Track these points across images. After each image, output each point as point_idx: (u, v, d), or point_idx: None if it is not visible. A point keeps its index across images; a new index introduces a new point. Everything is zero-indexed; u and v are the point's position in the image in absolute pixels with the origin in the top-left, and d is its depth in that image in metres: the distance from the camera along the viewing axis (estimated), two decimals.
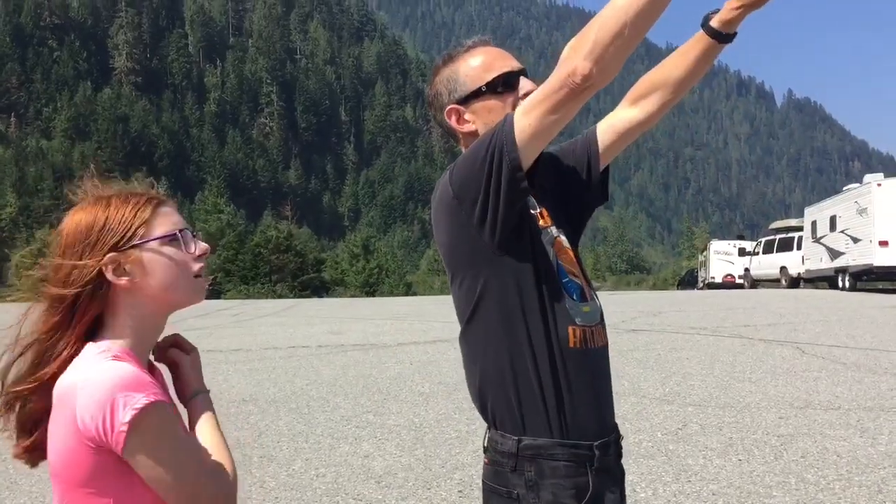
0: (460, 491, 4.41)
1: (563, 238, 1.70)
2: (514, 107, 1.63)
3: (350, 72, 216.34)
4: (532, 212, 1.65)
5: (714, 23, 1.65)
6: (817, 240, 23.81)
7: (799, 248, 26.27)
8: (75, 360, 1.32)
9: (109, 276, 1.35)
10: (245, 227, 62.63)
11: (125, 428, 1.23)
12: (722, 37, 1.65)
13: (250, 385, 7.91)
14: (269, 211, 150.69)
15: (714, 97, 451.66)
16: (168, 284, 1.38)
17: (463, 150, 1.74)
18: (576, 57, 1.40)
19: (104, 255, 1.35)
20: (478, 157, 1.52)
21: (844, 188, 23.65)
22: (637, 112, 1.75)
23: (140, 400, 1.24)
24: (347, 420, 6.28)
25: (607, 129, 1.78)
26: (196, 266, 1.41)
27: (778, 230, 30.58)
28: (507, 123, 1.49)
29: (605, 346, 1.68)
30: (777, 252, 28.07)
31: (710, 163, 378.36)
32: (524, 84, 1.68)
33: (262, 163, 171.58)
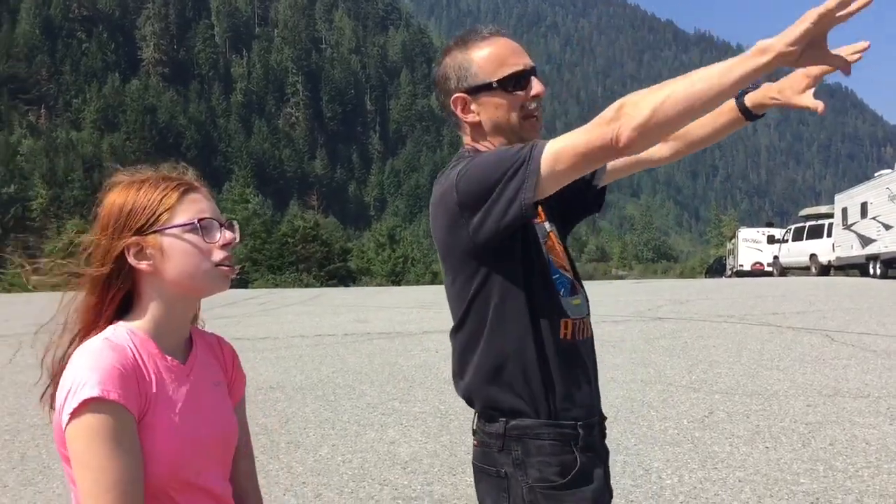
0: None
1: (554, 233, 1.73)
2: (521, 108, 1.65)
3: (375, 61, 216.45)
4: None
5: (748, 101, 1.69)
6: (848, 227, 23.48)
7: (829, 235, 25.94)
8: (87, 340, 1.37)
9: (130, 258, 1.38)
10: (272, 217, 63.04)
11: (67, 417, 1.25)
12: (750, 116, 1.71)
13: (277, 372, 7.99)
14: (296, 200, 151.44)
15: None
16: (186, 271, 1.39)
17: (464, 137, 1.76)
18: (626, 123, 1.37)
19: (128, 237, 1.38)
20: (491, 177, 1.51)
21: (876, 174, 23.29)
22: (664, 151, 1.81)
23: (88, 392, 1.24)
24: (373, 407, 6.32)
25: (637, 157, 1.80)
26: (218, 255, 1.41)
27: (808, 217, 30.21)
28: (534, 161, 1.47)
29: (591, 338, 1.74)
30: (807, 239, 27.74)
31: (738, 149, 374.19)
32: (535, 85, 1.67)
33: (288, 153, 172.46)
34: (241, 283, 41.15)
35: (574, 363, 1.64)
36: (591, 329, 1.74)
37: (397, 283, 44.91)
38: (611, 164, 1.82)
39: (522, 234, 1.61)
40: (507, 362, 1.60)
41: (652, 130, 1.37)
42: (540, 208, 1.71)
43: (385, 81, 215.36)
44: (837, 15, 1.25)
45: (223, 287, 1.44)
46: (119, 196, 1.41)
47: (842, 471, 4.35)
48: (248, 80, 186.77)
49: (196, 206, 1.41)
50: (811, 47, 1.29)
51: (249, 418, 5.67)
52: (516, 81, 1.65)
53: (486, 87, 1.66)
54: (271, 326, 12.25)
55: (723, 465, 4.48)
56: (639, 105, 1.36)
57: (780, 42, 1.28)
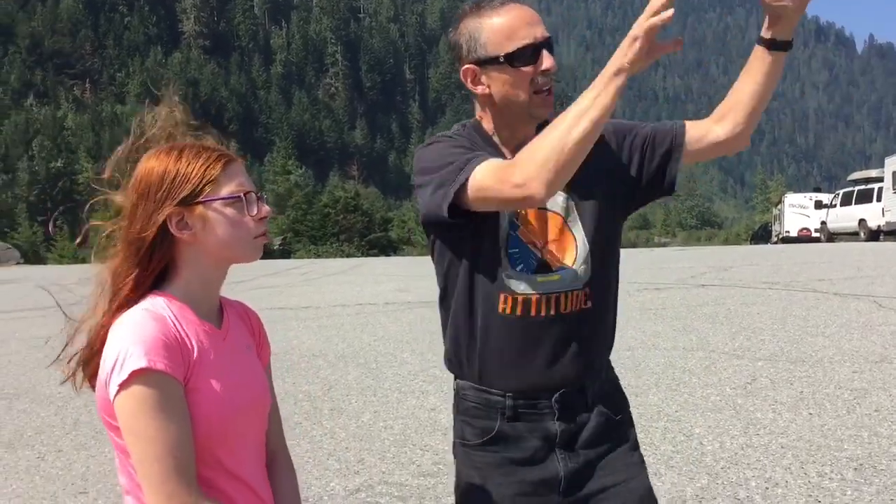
0: None
1: (541, 210, 1.68)
2: (529, 82, 1.61)
3: (414, 29, 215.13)
4: None
5: (766, 34, 1.61)
6: None
7: (879, 199, 25.31)
8: (129, 310, 1.38)
9: (172, 228, 1.39)
10: (313, 188, 63.45)
11: (116, 388, 1.28)
12: (777, 44, 1.60)
13: (320, 341, 8.10)
14: (336, 171, 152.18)
15: None
16: (227, 242, 1.42)
17: (476, 105, 1.76)
18: (534, 177, 1.44)
19: (171, 207, 1.39)
20: (424, 181, 1.64)
21: None
22: (720, 131, 1.71)
23: (135, 363, 1.27)
24: (414, 375, 6.39)
25: (699, 137, 1.72)
26: (256, 228, 1.44)
27: (857, 181, 29.48)
28: (457, 184, 1.55)
29: (573, 313, 1.68)
30: (856, 204, 27.11)
31: (786, 113, 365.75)
32: (545, 60, 1.61)
33: (328, 123, 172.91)
34: (284, 253, 41.63)
35: (516, 337, 1.66)
36: (581, 301, 1.69)
37: None
38: (690, 144, 1.72)
39: (475, 216, 1.61)
40: (449, 326, 1.75)
41: (555, 179, 1.44)
42: None
43: (424, 50, 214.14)
44: (661, 24, 1.37)
45: (257, 257, 1.48)
46: (159, 163, 1.41)
47: (887, 437, 4.30)
48: (288, 52, 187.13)
49: (237, 178, 1.43)
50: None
51: (293, 385, 5.82)
52: (526, 56, 1.60)
53: (493, 61, 1.62)
54: (313, 296, 12.40)
55: (765, 432, 4.46)
56: (539, 161, 1.44)
57: (626, 60, 1.39)
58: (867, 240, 25.34)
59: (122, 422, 1.29)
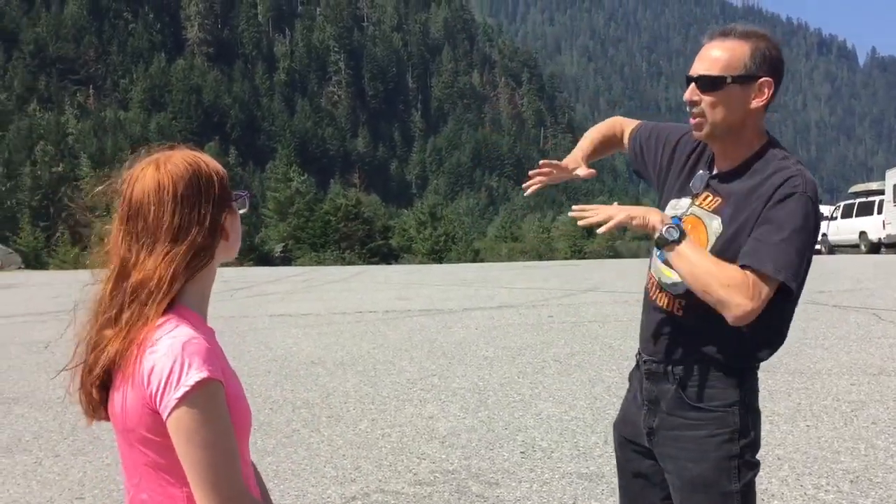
0: (522, 452, 4.47)
1: (696, 217, 1.96)
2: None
3: (417, 38, 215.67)
4: (692, 185, 2.02)
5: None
6: None
7: (880, 212, 25.29)
8: (160, 322, 1.34)
9: (228, 229, 1.42)
10: (314, 195, 63.47)
11: (174, 402, 1.27)
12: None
13: (319, 348, 8.10)
14: (338, 178, 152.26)
15: (793, 57, 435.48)
16: (238, 240, 1.46)
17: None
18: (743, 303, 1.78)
19: (220, 209, 1.40)
20: (790, 237, 1.85)
21: None
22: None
23: (196, 375, 1.28)
24: (413, 383, 6.39)
25: None
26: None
27: (858, 194, 29.47)
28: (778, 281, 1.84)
29: (669, 312, 2.00)
30: (857, 216, 27.10)
31: (787, 125, 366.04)
32: (686, 91, 1.93)
33: (330, 131, 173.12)
34: (285, 260, 41.62)
35: (645, 308, 2.12)
36: (668, 304, 2.01)
37: (439, 260, 45.03)
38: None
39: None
40: None
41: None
42: (702, 197, 1.99)
43: (427, 59, 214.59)
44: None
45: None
46: (193, 166, 1.38)
47: (883, 449, 4.30)
48: (291, 59, 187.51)
49: None
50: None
51: (291, 392, 5.83)
52: (686, 84, 1.94)
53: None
54: (314, 303, 12.40)
55: (762, 443, 4.45)
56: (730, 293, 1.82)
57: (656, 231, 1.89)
58: (868, 252, 25.33)
59: (183, 434, 1.28)
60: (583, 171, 2.24)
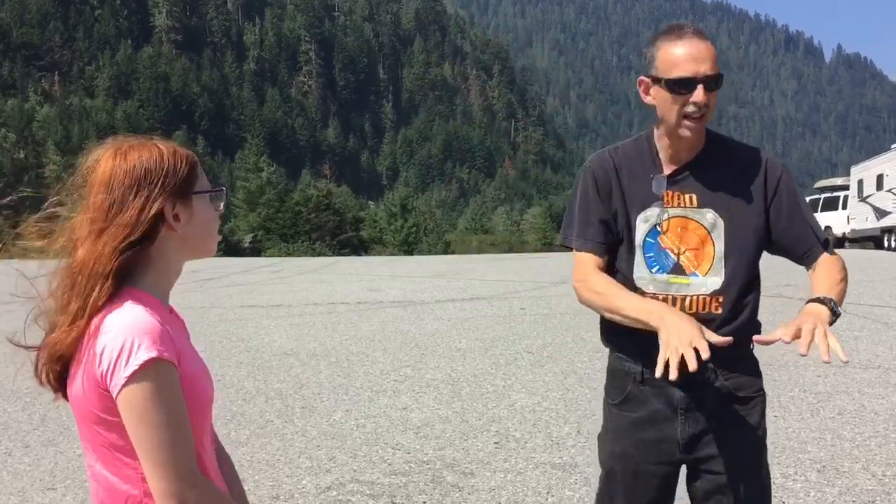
0: (496, 443, 4.50)
1: (680, 217, 1.96)
2: (681, 106, 1.87)
3: (388, 29, 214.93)
4: (655, 193, 1.96)
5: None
6: (863, 199, 23.31)
7: (844, 207, 25.77)
8: (113, 304, 1.36)
9: (169, 219, 1.40)
10: (285, 186, 63.08)
11: (123, 380, 1.29)
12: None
13: (291, 339, 8.08)
14: (308, 169, 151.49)
15: (760, 53, 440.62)
16: (204, 235, 1.46)
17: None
18: (576, 291, 2.03)
19: (167, 198, 1.39)
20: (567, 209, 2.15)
21: (893, 146, 23.07)
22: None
23: (145, 354, 1.29)
24: (386, 374, 6.40)
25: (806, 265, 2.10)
26: (218, 223, 1.50)
27: (823, 189, 29.97)
28: (568, 241, 2.08)
29: (705, 313, 1.94)
30: (822, 211, 27.54)
31: (754, 120, 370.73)
32: (698, 94, 1.86)
33: (300, 121, 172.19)
34: (254, 251, 41.35)
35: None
36: (704, 306, 1.95)
37: (410, 252, 45.02)
38: (794, 251, 2.10)
39: (621, 225, 2.00)
40: None
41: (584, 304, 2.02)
42: (680, 195, 1.97)
43: (398, 49, 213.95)
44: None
45: (215, 252, 1.53)
46: (141, 156, 1.40)
47: (849, 440, 4.40)
48: (261, 48, 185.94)
49: (204, 175, 1.48)
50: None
51: (264, 383, 5.81)
52: (682, 86, 1.86)
53: (658, 81, 1.91)
54: (285, 294, 12.36)
55: None
56: (592, 301, 1.97)
57: (653, 325, 1.81)
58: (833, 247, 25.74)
59: (131, 412, 1.30)
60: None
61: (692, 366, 1.66)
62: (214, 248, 1.51)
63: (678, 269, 1.95)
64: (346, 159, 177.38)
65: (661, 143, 1.99)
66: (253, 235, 47.66)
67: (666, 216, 1.96)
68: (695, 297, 1.95)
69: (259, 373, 6.43)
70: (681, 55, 1.86)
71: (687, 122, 1.89)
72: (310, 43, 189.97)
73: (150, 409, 1.30)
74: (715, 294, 1.95)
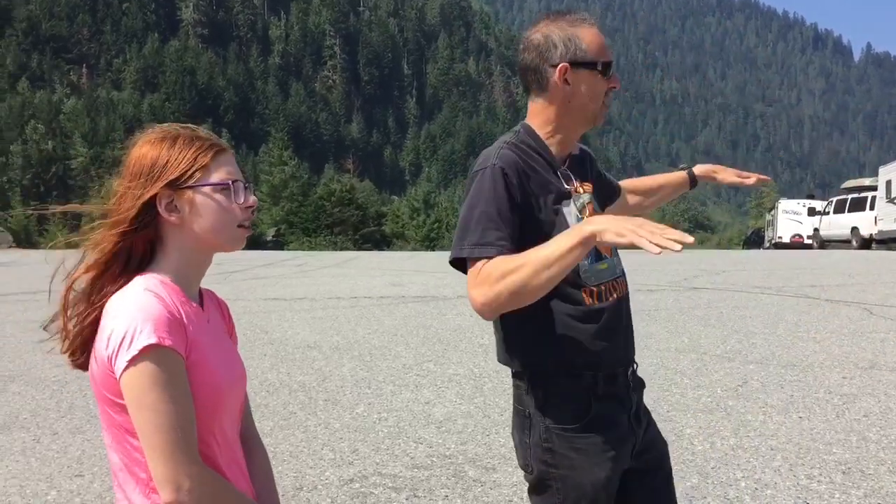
0: None
1: (593, 203, 1.92)
2: (605, 92, 1.86)
3: (413, 24, 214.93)
4: (566, 186, 1.86)
5: (696, 171, 2.39)
6: (891, 200, 23.01)
7: (872, 208, 25.45)
8: (123, 288, 1.43)
9: (161, 209, 1.45)
10: (308, 180, 63.33)
11: (125, 364, 1.33)
12: (694, 184, 2.40)
13: (314, 332, 8.13)
14: (331, 164, 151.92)
15: (788, 51, 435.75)
16: (212, 228, 1.48)
17: (531, 106, 1.89)
18: (481, 302, 1.67)
19: (159, 188, 1.45)
20: (463, 213, 1.81)
21: None
22: (630, 200, 2.29)
23: (145, 340, 1.33)
24: (409, 368, 6.43)
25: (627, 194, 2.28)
26: (242, 216, 1.50)
27: (850, 189, 29.62)
28: (462, 252, 1.77)
29: (625, 296, 1.92)
30: (849, 212, 27.25)
31: (781, 119, 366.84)
32: (615, 79, 1.87)
33: (324, 116, 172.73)
34: (277, 244, 41.57)
35: (600, 323, 1.81)
36: (624, 287, 1.92)
37: (432, 248, 45.06)
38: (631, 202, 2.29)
39: (539, 219, 1.79)
40: (530, 323, 1.82)
41: (500, 307, 1.68)
42: (586, 186, 1.92)
43: (422, 45, 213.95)
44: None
45: (240, 246, 1.54)
46: (152, 148, 1.47)
47: (875, 442, 4.36)
48: (286, 43, 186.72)
49: (226, 167, 1.50)
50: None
51: (287, 376, 5.85)
52: (610, 70, 1.85)
53: (591, 65, 1.82)
54: (309, 287, 12.42)
55: (755, 434, 4.51)
56: (498, 296, 1.65)
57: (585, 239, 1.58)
58: (859, 248, 25.48)
59: (131, 396, 1.34)
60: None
61: (688, 239, 1.46)
62: (235, 241, 1.52)
63: (599, 256, 1.85)
64: (370, 154, 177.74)
65: (555, 138, 1.88)
66: (276, 229, 47.96)
67: (582, 201, 1.87)
68: (620, 281, 1.90)
69: (282, 365, 6.48)
70: (602, 41, 1.85)
71: (603, 109, 1.89)
72: (334, 38, 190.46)
73: (148, 393, 1.33)
74: (623, 274, 1.95)
